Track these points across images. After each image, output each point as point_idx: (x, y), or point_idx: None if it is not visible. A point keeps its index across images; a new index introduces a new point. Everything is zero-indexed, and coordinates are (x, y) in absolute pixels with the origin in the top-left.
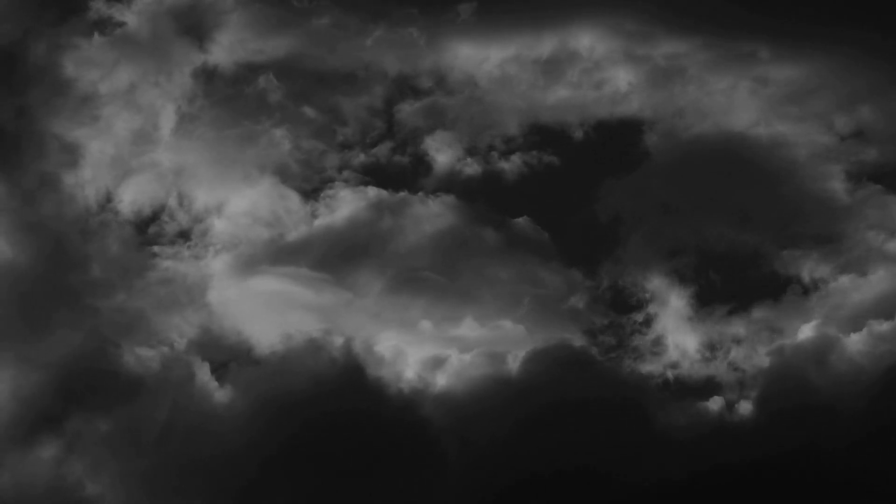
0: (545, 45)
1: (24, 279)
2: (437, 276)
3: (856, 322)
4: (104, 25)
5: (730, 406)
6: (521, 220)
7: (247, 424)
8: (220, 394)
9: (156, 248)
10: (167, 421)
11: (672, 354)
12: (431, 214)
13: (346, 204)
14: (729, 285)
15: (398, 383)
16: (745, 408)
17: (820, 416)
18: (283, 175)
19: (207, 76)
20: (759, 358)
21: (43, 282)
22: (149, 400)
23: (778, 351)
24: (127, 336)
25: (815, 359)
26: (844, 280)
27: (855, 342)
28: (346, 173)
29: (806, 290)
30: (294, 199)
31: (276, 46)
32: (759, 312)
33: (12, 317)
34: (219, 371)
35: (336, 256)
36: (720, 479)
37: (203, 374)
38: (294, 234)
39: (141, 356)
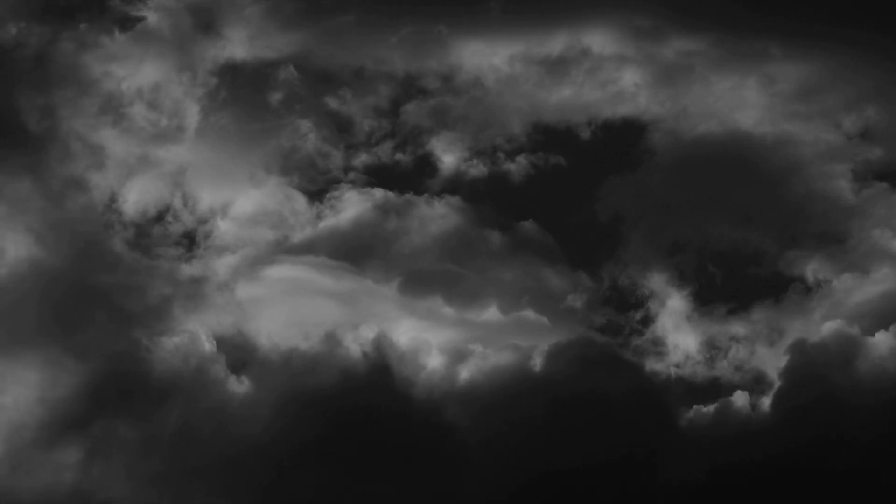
0: (556, 43)
1: (52, 280)
2: (441, 276)
3: (862, 319)
4: (124, 22)
5: (749, 402)
6: (527, 224)
7: (271, 421)
8: (243, 392)
9: (163, 249)
10: (190, 420)
11: (685, 354)
12: (437, 216)
13: (352, 205)
14: (736, 283)
15: (419, 375)
16: (764, 404)
17: (838, 412)
18: (289, 176)
19: (223, 73)
20: (774, 355)
21: (69, 283)
22: (171, 400)
23: (795, 347)
24: (151, 336)
25: (829, 355)
26: (849, 278)
27: (877, 342)
28: (351, 174)
29: (810, 289)
30: (300, 200)
31: (286, 44)
32: (766, 311)
33: (42, 317)
34: (242, 369)
35: (342, 258)
36: (742, 475)
37: (225, 372)
38: (299, 235)
39: (164, 357)
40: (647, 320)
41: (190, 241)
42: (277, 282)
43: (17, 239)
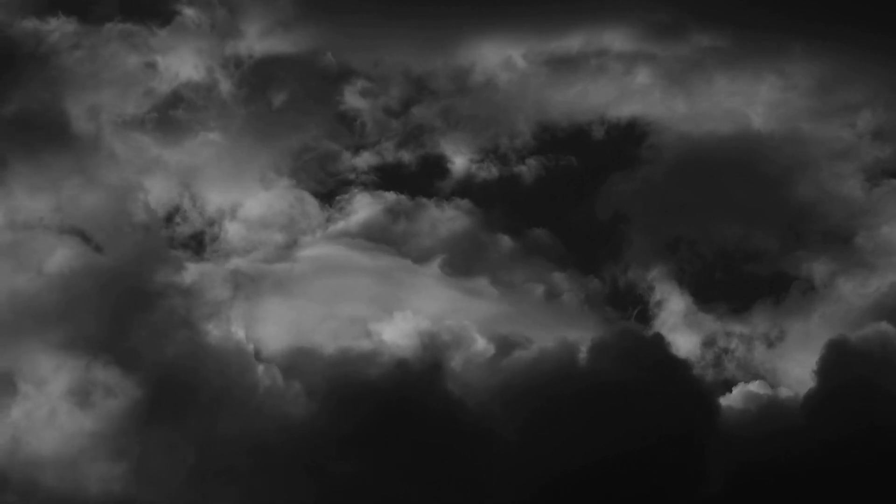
0: (574, 41)
1: (103, 282)
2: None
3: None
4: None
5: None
6: (538, 229)
7: (318, 418)
8: (291, 393)
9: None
10: (237, 424)
11: (689, 353)
12: (446, 219)
13: (363, 208)
14: (741, 282)
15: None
16: (798, 399)
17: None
18: (298, 178)
19: (236, 70)
20: (777, 354)
21: (119, 284)
22: (218, 404)
23: (832, 345)
24: (198, 339)
25: (865, 353)
26: (856, 276)
27: None
28: (362, 176)
29: (814, 288)
30: (311, 202)
31: (297, 41)
32: (768, 309)
33: (90, 320)
34: (286, 371)
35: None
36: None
37: (267, 373)
38: (309, 238)
39: (211, 360)
40: (649, 318)
41: (198, 244)
42: (312, 260)
43: (63, 239)
